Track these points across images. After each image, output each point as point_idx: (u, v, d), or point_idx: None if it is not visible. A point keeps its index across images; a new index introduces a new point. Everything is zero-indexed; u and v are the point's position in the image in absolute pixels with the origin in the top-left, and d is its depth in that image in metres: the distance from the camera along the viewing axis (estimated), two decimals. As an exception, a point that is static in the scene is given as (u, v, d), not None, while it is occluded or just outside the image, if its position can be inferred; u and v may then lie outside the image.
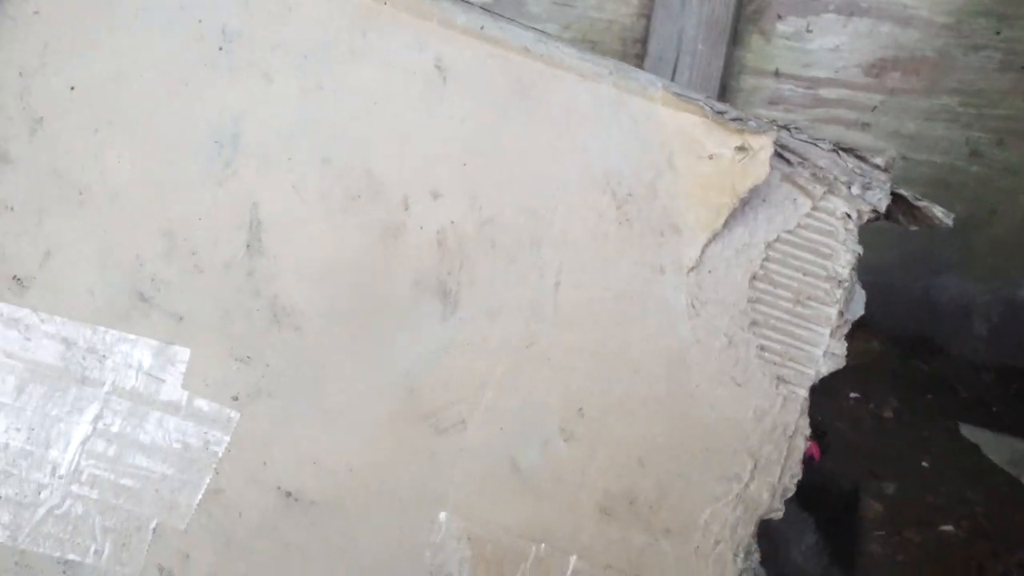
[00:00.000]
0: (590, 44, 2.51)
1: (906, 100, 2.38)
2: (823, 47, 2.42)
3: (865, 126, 2.43)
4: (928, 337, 2.47)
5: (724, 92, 2.47)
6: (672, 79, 2.48)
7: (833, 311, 0.95)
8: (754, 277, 0.94)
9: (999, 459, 2.26)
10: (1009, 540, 1.78)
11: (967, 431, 2.24)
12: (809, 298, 0.94)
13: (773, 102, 2.48)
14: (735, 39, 2.44)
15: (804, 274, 0.94)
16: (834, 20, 2.41)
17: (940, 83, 2.35)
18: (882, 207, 0.95)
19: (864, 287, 2.56)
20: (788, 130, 0.95)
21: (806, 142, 0.95)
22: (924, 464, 2.04)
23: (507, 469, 0.90)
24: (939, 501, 1.90)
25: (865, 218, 0.95)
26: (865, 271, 2.57)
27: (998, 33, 2.30)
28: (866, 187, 0.94)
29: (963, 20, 2.34)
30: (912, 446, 2.08)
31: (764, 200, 0.93)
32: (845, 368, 2.39)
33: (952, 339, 2.46)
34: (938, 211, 0.96)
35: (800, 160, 0.94)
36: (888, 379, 2.31)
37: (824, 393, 2.28)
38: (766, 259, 0.94)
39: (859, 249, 0.96)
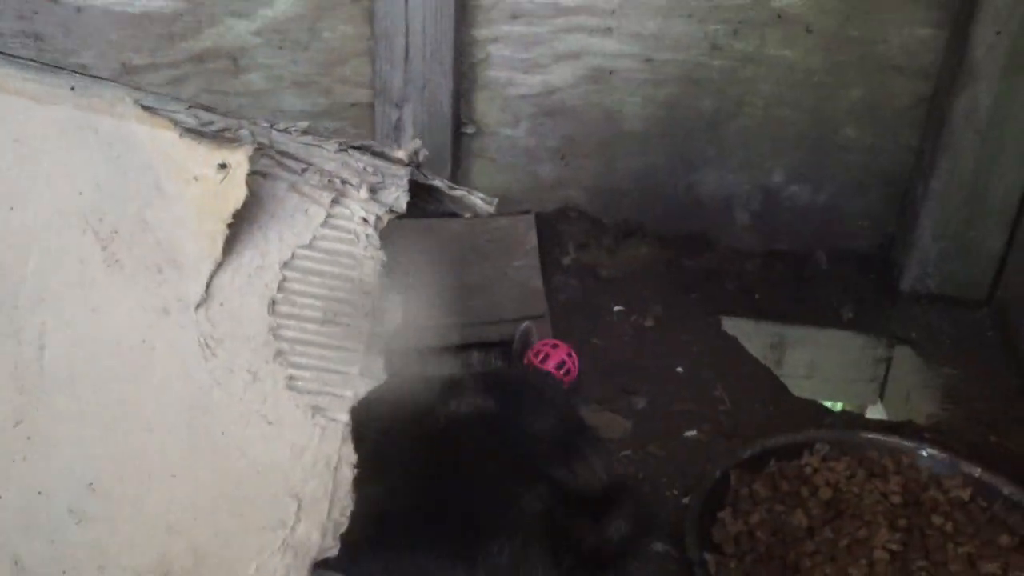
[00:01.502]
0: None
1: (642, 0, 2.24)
2: (556, -46, 2.25)
3: (608, 31, 2.29)
4: (696, 233, 2.41)
5: (464, 11, 2.29)
6: (406, 8, 2.29)
7: (365, 325, 0.83)
8: (274, 302, 0.81)
9: (759, 346, 2.24)
10: (743, 436, 1.75)
11: (729, 324, 2.21)
12: (338, 315, 0.82)
13: (515, 16, 2.31)
14: (466, -44, 2.25)
15: (330, 290, 0.82)
16: (561, -75, 2.24)
17: (673, -22, 2.22)
18: (401, 206, 0.82)
19: (631, 192, 2.46)
20: (288, 132, 0.81)
21: (311, 144, 0.81)
22: (679, 370, 1.99)
23: (8, 571, 0.77)
24: (686, 407, 1.86)
25: (386, 219, 0.82)
26: (630, 177, 2.47)
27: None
28: (378, 188, 0.81)
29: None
30: (669, 353, 2.03)
31: (273, 216, 0.79)
32: (611, 281, 2.31)
33: (718, 232, 2.40)
34: (477, 198, 0.84)
35: (305, 166, 0.80)
36: (653, 285, 2.25)
37: (587, 310, 2.20)
38: (284, 280, 0.80)
39: (382, 255, 0.83)
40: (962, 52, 1.98)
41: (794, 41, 2.17)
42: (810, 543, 1.43)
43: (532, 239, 2.32)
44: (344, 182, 0.80)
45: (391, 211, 0.81)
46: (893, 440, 1.58)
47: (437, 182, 0.83)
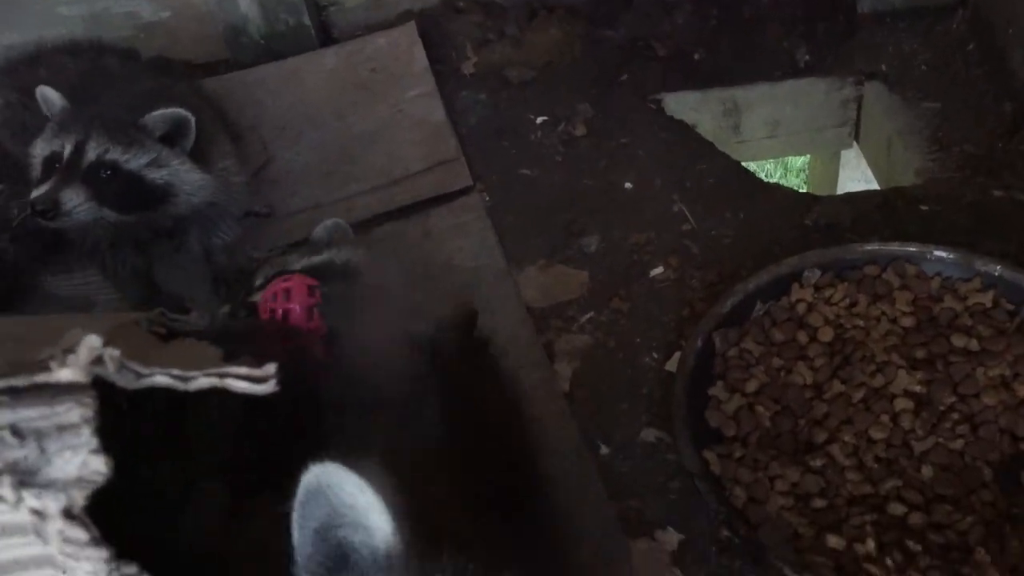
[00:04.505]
0: None
1: None
2: None
3: None
4: (610, -8, 1.93)
5: None
6: None
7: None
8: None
9: (710, 117, 1.86)
10: (716, 263, 1.44)
11: (672, 103, 1.81)
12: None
13: None
14: None
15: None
16: None
17: None
18: (97, 471, 0.46)
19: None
20: None
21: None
22: (627, 186, 1.64)
23: None
24: (645, 236, 1.53)
25: (81, 498, 0.46)
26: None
27: None
28: (35, 467, 0.45)
29: None
30: (612, 166, 1.66)
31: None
32: (525, 86, 1.87)
33: (635, -15, 1.92)
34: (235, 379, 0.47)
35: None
36: (575, 77, 1.82)
37: (505, 131, 1.79)
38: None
39: (102, 552, 0.47)
40: None
41: None
42: (820, 405, 1.18)
43: (420, 56, 1.85)
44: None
45: (82, 481, 0.45)
46: (893, 247, 1.28)
47: (159, 378, 0.46)
